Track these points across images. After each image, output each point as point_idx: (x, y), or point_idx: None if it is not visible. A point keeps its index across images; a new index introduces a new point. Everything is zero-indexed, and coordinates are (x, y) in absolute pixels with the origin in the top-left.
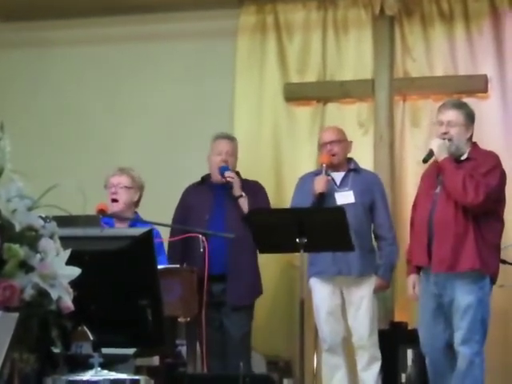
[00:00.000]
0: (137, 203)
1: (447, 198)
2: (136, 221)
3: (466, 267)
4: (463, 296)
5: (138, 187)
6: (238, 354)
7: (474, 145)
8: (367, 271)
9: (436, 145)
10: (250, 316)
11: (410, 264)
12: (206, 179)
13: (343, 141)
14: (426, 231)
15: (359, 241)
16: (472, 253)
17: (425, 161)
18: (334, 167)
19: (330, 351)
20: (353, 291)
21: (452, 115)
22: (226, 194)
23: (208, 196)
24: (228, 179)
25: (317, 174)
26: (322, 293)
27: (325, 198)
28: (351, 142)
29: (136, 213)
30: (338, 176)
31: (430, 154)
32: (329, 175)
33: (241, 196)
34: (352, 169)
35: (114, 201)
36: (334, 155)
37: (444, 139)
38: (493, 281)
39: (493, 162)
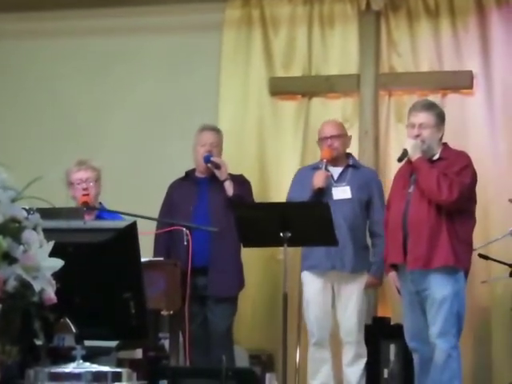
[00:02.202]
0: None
1: (420, 197)
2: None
3: (440, 263)
4: (438, 289)
5: (100, 176)
6: (221, 348)
7: (445, 145)
8: (360, 268)
9: (410, 145)
10: (232, 309)
11: (385, 262)
12: (189, 174)
13: (343, 135)
14: (400, 230)
15: (354, 236)
16: (446, 249)
17: (400, 160)
18: (333, 162)
19: (317, 345)
20: (344, 287)
21: (423, 117)
22: (209, 187)
23: (192, 190)
24: (216, 162)
25: (315, 167)
26: (313, 287)
27: (323, 192)
28: (351, 136)
29: (100, 203)
30: (336, 171)
31: (404, 153)
32: (328, 170)
33: (227, 179)
34: (350, 164)
35: (85, 196)
36: (334, 149)
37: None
38: (465, 275)
39: (465, 161)
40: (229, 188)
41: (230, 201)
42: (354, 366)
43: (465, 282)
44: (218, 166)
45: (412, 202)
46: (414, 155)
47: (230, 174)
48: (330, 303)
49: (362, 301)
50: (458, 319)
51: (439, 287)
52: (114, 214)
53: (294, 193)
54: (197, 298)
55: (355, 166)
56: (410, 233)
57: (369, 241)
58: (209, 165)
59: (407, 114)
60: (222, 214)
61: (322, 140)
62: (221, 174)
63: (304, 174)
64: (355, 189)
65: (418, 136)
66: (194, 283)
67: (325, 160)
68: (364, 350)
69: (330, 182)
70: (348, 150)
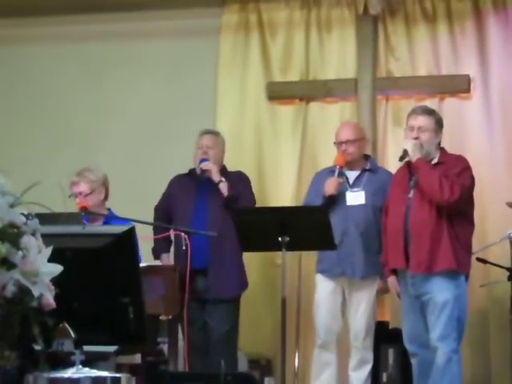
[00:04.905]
0: (106, 197)
1: (421, 202)
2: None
3: (442, 267)
4: (440, 293)
5: (101, 184)
6: (221, 352)
7: (443, 150)
8: (371, 274)
9: (410, 145)
10: (233, 312)
11: (385, 267)
12: (192, 172)
13: (359, 139)
14: (401, 235)
15: (365, 243)
16: (448, 253)
17: (401, 159)
18: (349, 166)
19: (322, 347)
20: (354, 293)
21: (423, 121)
22: (209, 188)
23: (192, 188)
24: (204, 168)
25: (332, 170)
26: (324, 290)
27: (335, 198)
28: (368, 140)
29: (109, 209)
30: (352, 175)
31: (405, 153)
32: (343, 175)
33: (220, 181)
34: (367, 168)
35: (83, 208)
36: (348, 155)
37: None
38: (466, 279)
39: (464, 164)
40: (223, 189)
41: (226, 202)
42: (358, 371)
43: (466, 286)
44: (208, 171)
45: (413, 207)
46: (414, 155)
47: (229, 172)
48: (340, 307)
49: (371, 307)
50: (458, 323)
51: (441, 291)
52: (121, 221)
53: (308, 197)
54: (196, 302)
55: (372, 170)
56: (412, 238)
57: None
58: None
59: (406, 118)
60: (222, 216)
61: (337, 144)
62: (213, 178)
63: (320, 177)
64: (370, 194)
65: (416, 138)
66: (194, 287)
67: (338, 166)
68: (370, 356)
69: (345, 187)
70: None
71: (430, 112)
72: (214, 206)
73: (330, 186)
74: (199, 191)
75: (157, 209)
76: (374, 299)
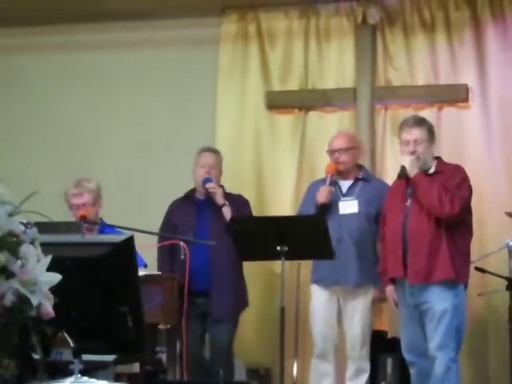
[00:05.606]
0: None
1: (419, 211)
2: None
3: (441, 277)
4: (438, 303)
5: (98, 195)
6: (222, 363)
7: (439, 159)
8: (365, 282)
9: (407, 161)
10: (233, 326)
11: (383, 276)
12: (189, 195)
13: (352, 148)
14: (400, 244)
15: (359, 251)
16: (446, 263)
17: (400, 177)
18: (342, 175)
19: (320, 357)
20: (349, 301)
21: (416, 134)
22: (209, 209)
23: (191, 212)
24: (210, 190)
25: (324, 181)
26: (319, 299)
27: (328, 207)
28: (362, 149)
29: (101, 219)
30: (345, 184)
31: (403, 170)
32: (335, 184)
33: (224, 205)
34: (360, 178)
35: (83, 217)
36: (340, 163)
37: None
38: (465, 288)
39: (462, 174)
40: (227, 213)
41: (228, 226)
42: (355, 380)
43: (465, 296)
44: (212, 194)
45: (411, 216)
46: (412, 171)
47: (229, 194)
48: (335, 316)
49: (366, 316)
50: (457, 333)
51: (439, 300)
52: (114, 229)
53: (303, 207)
54: (197, 314)
55: (366, 179)
56: (410, 247)
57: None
58: (205, 191)
59: (399, 131)
60: (222, 236)
61: (330, 153)
62: (217, 201)
63: (314, 187)
64: (363, 203)
65: (413, 152)
66: (194, 301)
67: (329, 175)
68: (367, 365)
69: (338, 196)
70: None
71: (420, 122)
72: (215, 229)
73: (322, 195)
74: (199, 215)
75: (160, 237)
76: (370, 308)
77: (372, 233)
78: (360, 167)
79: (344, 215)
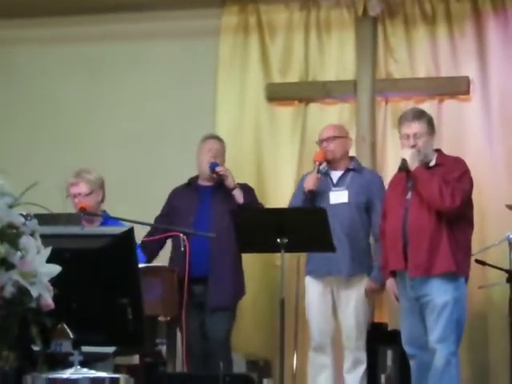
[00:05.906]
0: (102, 199)
1: (420, 204)
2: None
3: (441, 270)
4: (439, 296)
5: (99, 186)
6: (219, 354)
7: (439, 151)
8: (358, 272)
9: (408, 154)
10: (231, 317)
11: (385, 270)
12: (192, 182)
13: (340, 137)
14: (400, 237)
15: (350, 241)
16: (447, 256)
17: (400, 169)
18: (333, 165)
19: (317, 350)
20: (343, 292)
21: (416, 127)
22: (212, 195)
23: (193, 198)
24: (221, 173)
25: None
26: (313, 291)
27: (316, 195)
28: (351, 139)
29: (104, 211)
30: (335, 174)
31: (404, 163)
32: (325, 173)
33: (235, 187)
34: (351, 168)
35: (82, 209)
36: (328, 152)
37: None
38: (466, 281)
39: (463, 167)
40: (239, 196)
41: (233, 211)
42: (352, 372)
43: (465, 289)
44: (224, 176)
45: (411, 209)
46: (413, 165)
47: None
48: (331, 308)
49: (361, 306)
50: (457, 326)
51: (440, 293)
52: (117, 222)
53: (292, 198)
54: (195, 304)
55: (357, 170)
56: (411, 239)
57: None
58: (213, 175)
59: (398, 125)
60: (224, 225)
61: (320, 143)
62: (229, 183)
63: (303, 179)
64: (354, 193)
65: (413, 146)
66: (192, 290)
67: (317, 162)
68: (363, 357)
69: (328, 186)
70: None
71: (420, 115)
72: (217, 216)
73: (309, 182)
74: (201, 201)
75: (156, 221)
76: (364, 298)
77: (364, 222)
78: (351, 158)
79: (334, 205)
